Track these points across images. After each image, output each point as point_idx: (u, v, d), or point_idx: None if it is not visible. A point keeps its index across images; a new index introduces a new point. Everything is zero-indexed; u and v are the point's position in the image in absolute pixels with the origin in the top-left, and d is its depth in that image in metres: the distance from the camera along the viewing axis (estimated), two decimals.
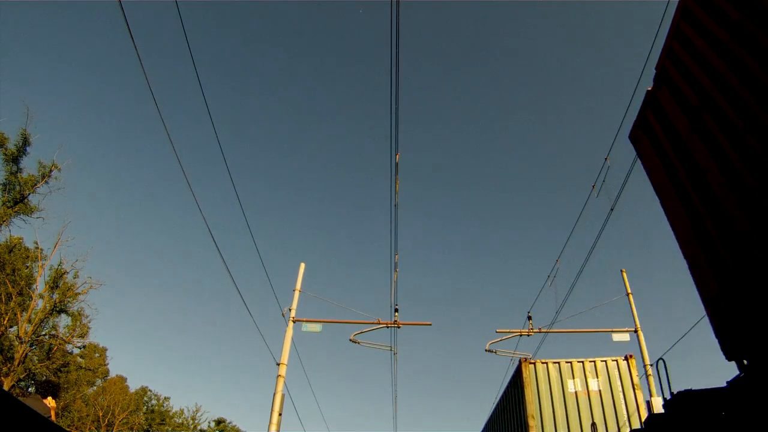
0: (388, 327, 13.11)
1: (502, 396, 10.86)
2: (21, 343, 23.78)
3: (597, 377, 8.85)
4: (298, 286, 13.06)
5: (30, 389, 29.70)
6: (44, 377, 27.72)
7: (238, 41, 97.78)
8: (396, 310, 13.17)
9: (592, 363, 9.06)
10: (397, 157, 8.39)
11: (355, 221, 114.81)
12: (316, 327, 12.57)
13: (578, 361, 9.11)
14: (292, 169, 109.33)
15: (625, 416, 8.44)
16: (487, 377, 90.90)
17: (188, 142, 76.09)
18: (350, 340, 13.11)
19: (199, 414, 49.46)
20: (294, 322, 12.44)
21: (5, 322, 23.88)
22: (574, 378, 8.89)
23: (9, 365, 23.56)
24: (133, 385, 46.50)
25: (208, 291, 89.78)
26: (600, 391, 8.73)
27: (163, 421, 46.97)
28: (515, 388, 9.73)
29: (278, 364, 11.63)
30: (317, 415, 73.11)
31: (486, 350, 15.02)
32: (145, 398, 47.88)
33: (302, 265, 13.42)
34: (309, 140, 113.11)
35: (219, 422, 50.89)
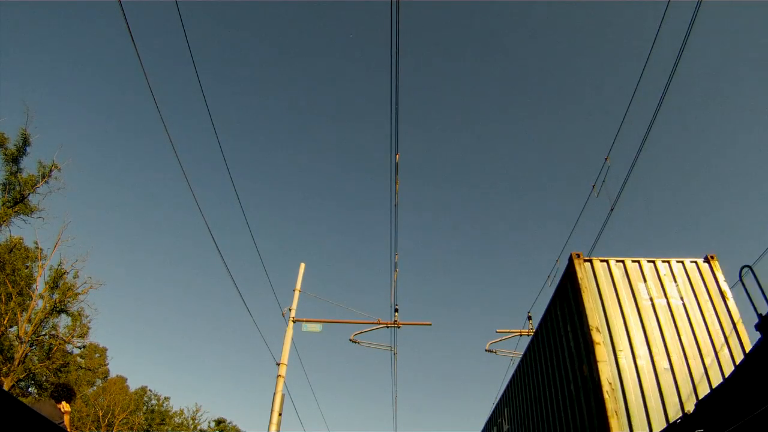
0: (388, 327, 13.12)
1: (543, 318, 8.54)
2: (21, 343, 23.78)
3: (675, 282, 6.88)
4: (298, 286, 13.06)
5: (30, 389, 29.70)
6: (45, 377, 27.71)
7: (238, 41, 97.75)
8: (396, 310, 13.18)
9: (666, 264, 7.06)
10: (397, 157, 8.38)
11: (355, 221, 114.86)
12: (316, 327, 12.57)
13: (648, 261, 7.10)
14: (292, 169, 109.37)
15: (719, 330, 6.43)
16: (487, 377, 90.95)
17: (188, 142, 76.15)
18: (350, 340, 13.13)
19: (199, 414, 49.53)
20: (294, 322, 12.44)
21: (5, 322, 23.88)
22: (645, 281, 6.86)
23: (9, 365, 23.56)
24: (133, 385, 46.57)
25: (208, 291, 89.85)
26: (682, 298, 6.72)
27: (163, 421, 46.97)
28: (564, 298, 7.43)
29: (278, 364, 11.63)
30: (317, 415, 73.07)
31: (486, 350, 15.04)
32: (145, 398, 47.89)
33: (302, 265, 13.42)
34: (309, 140, 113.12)
35: (219, 422, 50.89)
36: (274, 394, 11.12)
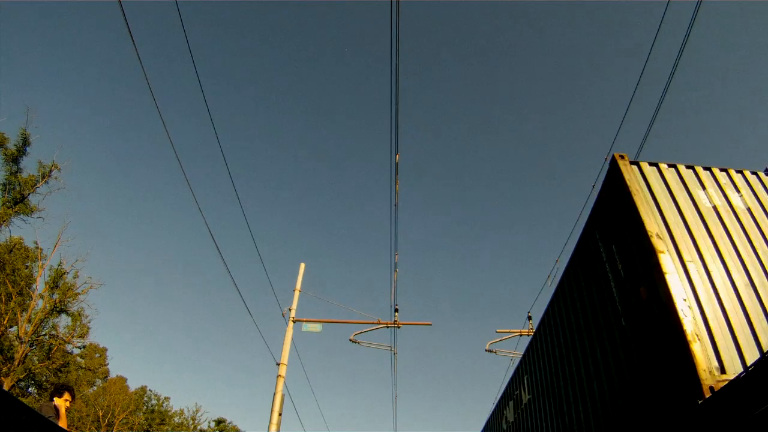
0: (388, 327, 13.12)
1: (575, 252, 7.17)
2: (21, 343, 23.78)
3: (738, 192, 5.90)
4: (298, 286, 13.06)
5: (30, 389, 29.71)
6: (45, 377, 27.74)
7: (238, 41, 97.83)
8: (396, 310, 13.19)
9: (725, 173, 6.06)
10: (397, 157, 8.39)
11: (355, 221, 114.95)
12: (316, 327, 12.58)
13: (704, 168, 6.05)
14: (292, 169, 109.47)
15: None
16: (487, 377, 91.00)
17: (188, 141, 76.18)
18: (350, 340, 13.14)
19: (199, 414, 49.54)
20: (294, 322, 12.45)
21: (5, 322, 23.89)
22: (705, 189, 5.86)
23: (9, 365, 23.56)
24: (133, 385, 46.59)
25: (208, 291, 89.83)
26: (750, 209, 5.69)
27: (163, 421, 46.97)
28: (607, 214, 6.13)
29: (278, 364, 11.63)
30: (317, 415, 73.10)
31: (486, 350, 15.05)
32: (145, 398, 47.90)
33: (302, 265, 13.43)
34: (309, 140, 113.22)
35: (219, 422, 50.90)
36: (274, 394, 11.12)
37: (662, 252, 4.90)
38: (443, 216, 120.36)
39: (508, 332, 15.00)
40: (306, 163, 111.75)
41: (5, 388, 21.82)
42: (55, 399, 4.92)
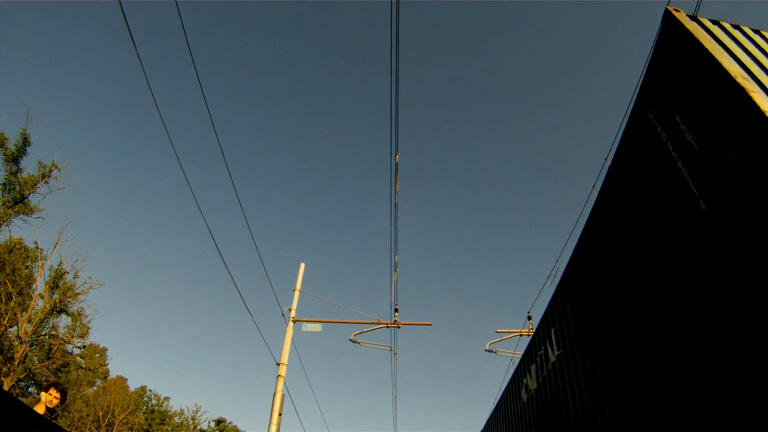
0: (388, 327, 13.12)
1: (627, 127, 5.66)
2: (21, 343, 23.78)
3: None
4: (298, 286, 13.07)
5: (30, 389, 29.73)
6: (45, 377, 27.75)
7: (238, 41, 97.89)
8: (396, 310, 13.19)
9: None
10: (397, 157, 8.39)
11: (355, 221, 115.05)
12: (316, 327, 12.58)
13: None
14: (292, 169, 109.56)
15: None
16: (487, 377, 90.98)
17: (188, 141, 76.22)
18: (350, 340, 13.14)
19: (199, 414, 49.53)
20: (294, 322, 12.45)
21: (5, 322, 23.88)
22: None
23: (9, 365, 23.56)
24: (133, 385, 46.58)
25: (208, 291, 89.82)
26: None
27: (163, 421, 46.97)
28: (663, 79, 4.92)
29: (278, 364, 11.63)
30: (317, 415, 73.15)
31: (486, 350, 15.06)
32: (145, 398, 47.90)
33: (302, 265, 13.43)
34: (309, 140, 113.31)
35: (219, 422, 50.92)
36: (274, 394, 11.12)
37: (753, 92, 3.84)
38: (443, 216, 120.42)
39: (508, 332, 15.01)
40: (306, 163, 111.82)
41: (5, 388, 21.83)
42: (41, 393, 5.39)
